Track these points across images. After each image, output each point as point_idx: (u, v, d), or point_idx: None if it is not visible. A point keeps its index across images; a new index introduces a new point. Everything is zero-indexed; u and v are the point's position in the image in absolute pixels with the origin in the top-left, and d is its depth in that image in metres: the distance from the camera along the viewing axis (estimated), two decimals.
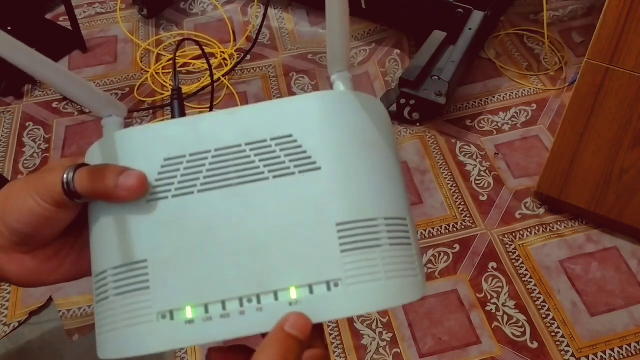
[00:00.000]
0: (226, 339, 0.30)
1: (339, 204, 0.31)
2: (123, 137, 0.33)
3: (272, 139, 0.32)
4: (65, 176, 0.31)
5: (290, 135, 0.32)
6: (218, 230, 0.31)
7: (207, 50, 1.56)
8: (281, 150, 0.32)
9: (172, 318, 0.30)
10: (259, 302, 0.30)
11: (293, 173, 0.31)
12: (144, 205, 0.32)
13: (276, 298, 0.30)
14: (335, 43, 0.33)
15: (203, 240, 0.31)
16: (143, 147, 0.32)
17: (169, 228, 0.31)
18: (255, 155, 0.32)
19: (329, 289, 0.30)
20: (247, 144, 0.32)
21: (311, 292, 0.30)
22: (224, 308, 0.30)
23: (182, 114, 0.39)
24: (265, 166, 0.31)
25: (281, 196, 0.31)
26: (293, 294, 0.30)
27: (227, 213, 0.31)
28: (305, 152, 0.31)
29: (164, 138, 0.32)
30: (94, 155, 0.34)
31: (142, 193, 0.31)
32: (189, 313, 0.30)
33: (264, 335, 0.32)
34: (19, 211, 0.32)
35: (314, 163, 0.31)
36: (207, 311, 0.30)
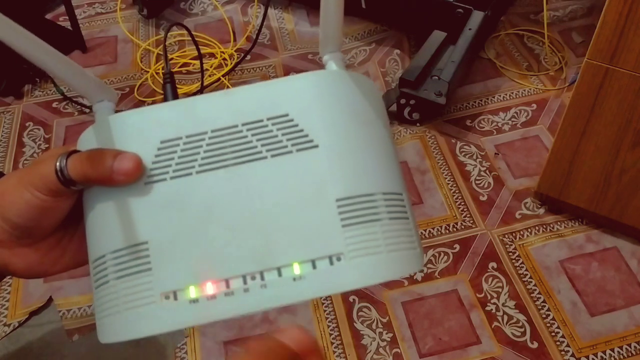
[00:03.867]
0: (231, 316, 0.30)
1: (338, 180, 0.31)
2: (117, 121, 0.33)
3: (268, 119, 0.32)
4: (57, 164, 0.31)
5: (287, 115, 0.32)
6: (218, 210, 0.31)
7: (207, 50, 1.56)
8: (278, 129, 0.32)
9: (175, 298, 0.30)
10: (262, 279, 0.30)
11: (291, 151, 0.31)
12: (141, 188, 0.31)
13: (280, 274, 0.30)
14: (329, 23, 0.33)
15: (204, 220, 0.31)
16: (138, 130, 0.32)
17: (168, 209, 0.31)
18: (253, 135, 0.32)
19: (331, 263, 0.30)
20: (243, 124, 0.32)
21: (314, 267, 0.30)
22: (227, 286, 0.30)
23: (175, 97, 0.38)
24: (262, 145, 0.32)
25: (280, 174, 0.31)
26: (296, 269, 0.30)
27: (227, 193, 0.31)
28: (302, 130, 0.32)
29: (159, 120, 0.32)
30: (88, 141, 0.33)
31: (138, 176, 0.31)
32: (192, 292, 0.30)
33: None
34: (16, 206, 0.32)
35: (311, 141, 0.32)
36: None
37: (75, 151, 0.32)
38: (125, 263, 0.31)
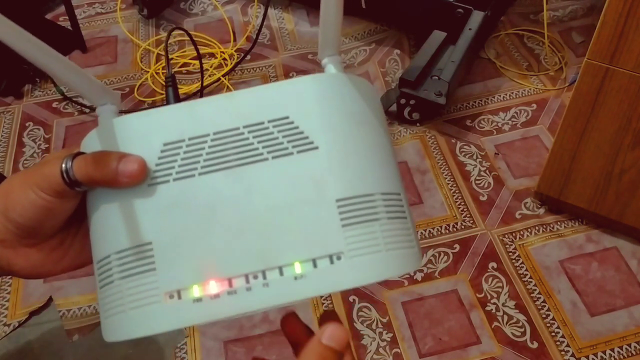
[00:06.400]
0: (234, 315, 0.31)
1: (338, 181, 0.32)
2: (120, 124, 0.33)
3: (269, 121, 0.33)
4: (63, 165, 0.31)
5: (287, 117, 0.33)
6: (221, 211, 0.32)
7: (207, 50, 1.56)
8: (279, 131, 0.33)
9: (179, 297, 0.31)
10: (264, 278, 0.31)
11: (291, 153, 0.32)
12: (145, 190, 0.32)
13: (281, 273, 0.31)
14: (328, 27, 0.34)
15: (206, 221, 0.31)
16: (141, 133, 0.33)
17: (172, 210, 0.32)
18: (254, 137, 0.32)
19: (332, 262, 0.31)
20: (245, 127, 0.33)
21: (315, 266, 0.31)
22: (230, 285, 0.31)
23: (177, 100, 0.39)
24: (264, 147, 0.32)
25: (281, 175, 0.32)
26: (297, 268, 0.31)
27: (229, 194, 0.32)
28: (302, 132, 0.32)
29: (162, 123, 0.33)
30: (91, 143, 0.34)
31: (142, 178, 0.31)
32: (196, 291, 0.31)
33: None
34: (21, 206, 0.32)
35: (311, 143, 0.32)
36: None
37: (80, 153, 0.33)
38: (129, 263, 0.32)
